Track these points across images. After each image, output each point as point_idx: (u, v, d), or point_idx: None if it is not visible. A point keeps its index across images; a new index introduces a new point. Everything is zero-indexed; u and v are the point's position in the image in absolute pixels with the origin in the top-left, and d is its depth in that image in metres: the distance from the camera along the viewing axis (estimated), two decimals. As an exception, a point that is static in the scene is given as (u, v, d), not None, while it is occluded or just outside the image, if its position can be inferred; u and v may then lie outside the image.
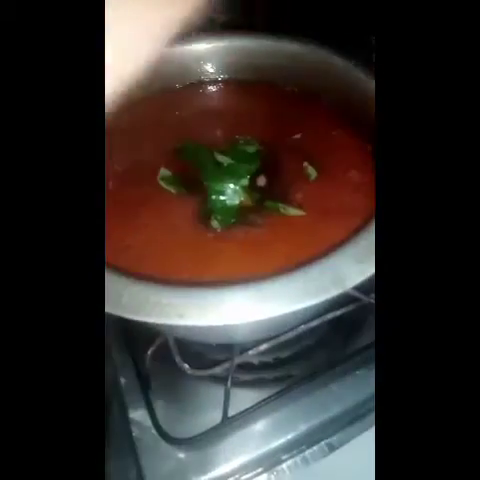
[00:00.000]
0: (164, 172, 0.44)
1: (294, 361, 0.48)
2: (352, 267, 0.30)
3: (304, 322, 0.44)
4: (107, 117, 0.50)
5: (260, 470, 0.42)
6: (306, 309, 0.31)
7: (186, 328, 0.36)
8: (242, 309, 0.28)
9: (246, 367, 0.47)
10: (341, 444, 0.44)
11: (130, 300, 0.29)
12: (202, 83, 0.53)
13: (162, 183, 0.43)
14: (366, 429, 0.44)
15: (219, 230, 0.39)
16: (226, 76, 0.53)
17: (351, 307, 0.46)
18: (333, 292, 0.29)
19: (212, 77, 0.53)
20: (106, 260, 0.33)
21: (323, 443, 0.44)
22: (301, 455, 0.43)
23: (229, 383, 0.42)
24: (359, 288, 0.45)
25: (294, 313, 0.31)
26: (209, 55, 0.51)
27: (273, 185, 0.43)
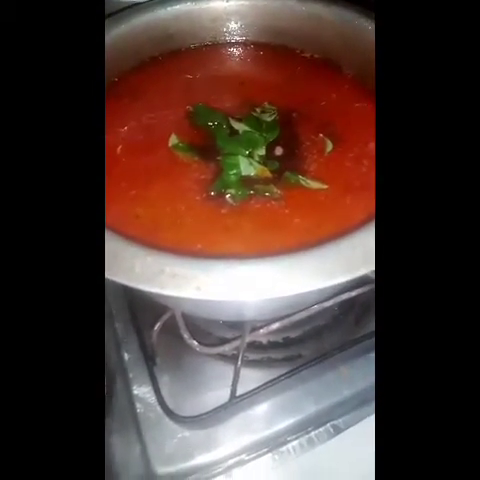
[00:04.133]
0: (175, 139, 0.41)
1: (304, 341, 0.46)
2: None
3: (318, 302, 0.42)
4: (115, 77, 0.47)
5: (265, 450, 0.41)
6: (323, 289, 0.29)
7: (198, 303, 0.34)
8: (266, 284, 0.26)
9: (254, 346, 0.46)
10: (347, 426, 0.43)
11: (144, 271, 0.27)
12: (217, 45, 0.49)
13: (173, 150, 0.40)
14: (373, 412, 0.43)
15: (234, 204, 0.37)
16: (243, 38, 0.49)
17: (366, 288, 0.45)
18: (363, 270, 0.28)
19: (229, 39, 0.49)
20: (117, 229, 0.31)
21: (329, 425, 0.43)
22: (307, 436, 0.42)
23: (240, 361, 0.40)
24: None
25: (311, 292, 0.29)
26: (227, 15, 0.48)
27: (289, 156, 0.40)
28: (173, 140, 0.41)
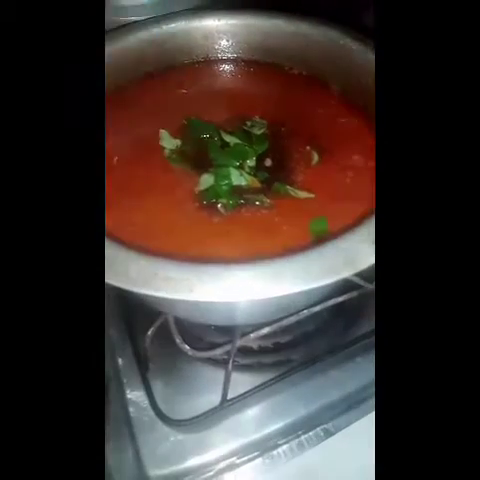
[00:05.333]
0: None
1: (294, 347, 0.47)
2: (365, 249, 0.30)
3: (307, 307, 0.44)
4: (110, 91, 0.49)
5: (256, 454, 0.42)
6: (311, 293, 0.30)
7: (190, 306, 0.36)
8: (256, 286, 0.28)
9: (245, 351, 0.47)
10: (337, 430, 0.44)
11: (138, 274, 0.28)
12: (210, 61, 0.52)
13: (167, 161, 0.42)
14: (362, 416, 0.44)
15: (226, 213, 0.38)
16: (235, 55, 0.52)
17: (353, 294, 0.46)
18: (345, 273, 0.29)
19: (221, 56, 0.52)
20: (112, 234, 0.32)
21: (319, 429, 0.44)
22: (297, 440, 0.43)
23: (230, 365, 0.41)
24: (361, 275, 0.45)
25: (299, 296, 0.30)
26: (219, 33, 0.50)
27: (278, 168, 0.42)
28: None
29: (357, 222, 0.34)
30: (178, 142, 0.43)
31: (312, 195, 0.39)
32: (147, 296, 0.29)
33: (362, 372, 0.46)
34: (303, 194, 0.39)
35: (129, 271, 0.29)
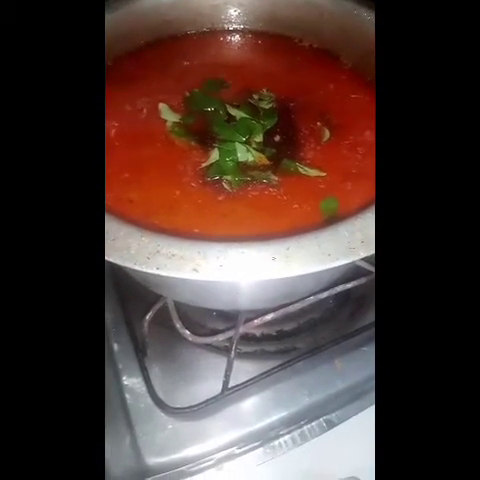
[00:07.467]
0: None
1: (298, 335, 0.46)
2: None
3: (313, 293, 0.42)
4: (109, 62, 0.46)
5: (257, 444, 0.41)
6: (321, 276, 0.28)
7: (192, 288, 0.34)
8: (266, 266, 0.26)
9: (248, 338, 0.45)
10: (340, 421, 0.43)
11: (139, 251, 0.26)
12: (215, 32, 0.49)
13: (169, 135, 0.40)
14: (366, 407, 0.43)
15: (231, 191, 0.36)
16: (242, 26, 0.49)
17: (362, 280, 0.44)
18: (362, 254, 0.27)
19: (227, 26, 0.49)
20: (111, 210, 0.30)
21: (322, 419, 0.42)
22: (299, 430, 0.42)
23: (233, 352, 0.40)
24: (371, 260, 0.43)
25: (308, 279, 0.28)
26: (225, 2, 0.48)
27: (287, 144, 0.40)
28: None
29: (370, 200, 0.32)
30: (180, 115, 0.41)
31: (323, 173, 0.37)
32: (148, 275, 0.27)
33: (367, 362, 0.44)
34: (314, 172, 0.37)
35: (130, 248, 0.27)
